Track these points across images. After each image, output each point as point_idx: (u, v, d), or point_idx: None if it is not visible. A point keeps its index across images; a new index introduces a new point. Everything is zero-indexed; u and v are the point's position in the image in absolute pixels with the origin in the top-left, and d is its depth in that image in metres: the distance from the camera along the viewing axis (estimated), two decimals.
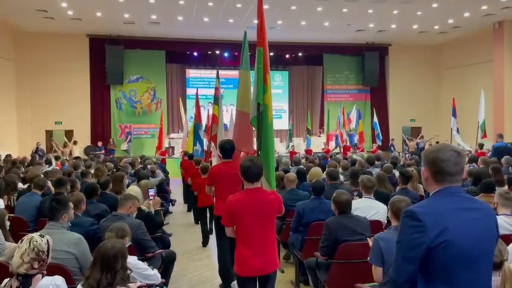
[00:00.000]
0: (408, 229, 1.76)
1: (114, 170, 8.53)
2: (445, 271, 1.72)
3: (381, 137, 18.37)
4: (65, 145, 16.63)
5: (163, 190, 8.83)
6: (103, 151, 17.13)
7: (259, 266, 3.25)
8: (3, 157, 11.79)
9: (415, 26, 17.57)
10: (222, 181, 4.78)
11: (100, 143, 18.05)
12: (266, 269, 3.29)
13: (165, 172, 11.15)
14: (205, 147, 10.87)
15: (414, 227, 1.73)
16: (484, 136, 12.79)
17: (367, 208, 4.60)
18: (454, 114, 13.79)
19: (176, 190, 11.44)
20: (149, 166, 9.74)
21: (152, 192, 5.33)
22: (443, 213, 1.75)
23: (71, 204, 3.61)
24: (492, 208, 2.01)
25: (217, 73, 9.55)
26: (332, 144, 19.28)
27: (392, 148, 18.68)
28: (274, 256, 3.36)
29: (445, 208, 1.76)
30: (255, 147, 4.82)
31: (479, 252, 1.76)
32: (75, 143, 16.95)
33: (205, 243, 7.15)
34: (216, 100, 9.07)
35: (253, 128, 4.81)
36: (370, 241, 3.20)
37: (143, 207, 4.95)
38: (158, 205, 5.21)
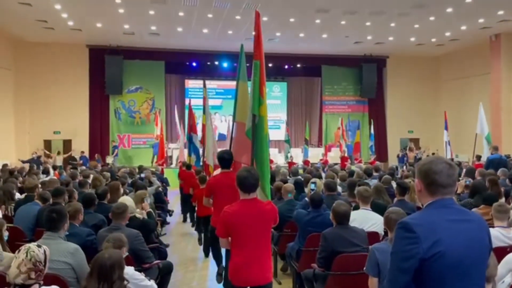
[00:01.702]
0: (402, 240, 1.78)
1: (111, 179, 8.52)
2: (438, 282, 1.74)
3: (373, 149, 18.48)
4: (48, 156, 16.60)
5: (160, 200, 8.81)
6: (81, 162, 16.83)
7: (254, 276, 3.24)
8: (0, 166, 11.78)
9: (412, 39, 17.73)
10: (220, 192, 4.69)
11: (82, 152, 17.88)
12: (261, 280, 3.28)
13: (164, 183, 11.14)
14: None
15: (408, 238, 1.75)
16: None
17: (364, 219, 4.60)
18: (446, 127, 13.90)
19: (174, 201, 11.42)
20: (142, 175, 9.76)
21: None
22: (436, 224, 1.77)
23: (67, 214, 3.61)
24: (484, 220, 2.03)
25: (204, 82, 9.64)
26: (331, 154, 19.35)
27: (404, 159, 18.65)
28: (269, 267, 3.36)
29: (438, 220, 1.79)
30: None
31: (471, 262, 1.78)
32: (58, 153, 17.00)
33: (206, 253, 6.91)
34: (204, 109, 9.17)
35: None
36: None
37: (138, 215, 4.97)
38: (147, 207, 5.28)
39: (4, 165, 11.94)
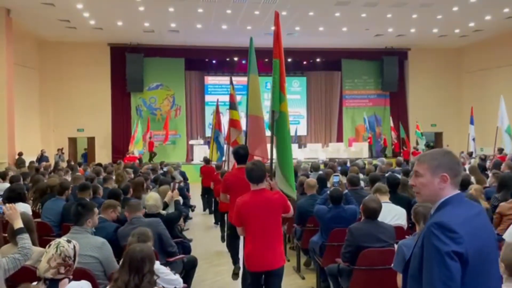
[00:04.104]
0: (444, 242, 1.64)
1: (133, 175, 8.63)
2: (473, 280, 1.67)
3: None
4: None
5: (183, 195, 8.87)
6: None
7: (265, 261, 3.50)
8: (27, 163, 12.08)
9: (435, 30, 17.36)
10: (236, 187, 4.58)
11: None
12: (272, 264, 3.53)
13: (185, 179, 11.23)
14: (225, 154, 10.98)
15: (452, 239, 1.64)
16: None
17: (386, 212, 4.55)
18: (472, 122, 13.67)
19: (196, 196, 11.49)
20: (165, 169, 9.87)
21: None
22: (469, 221, 1.71)
23: (96, 210, 3.67)
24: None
25: (231, 79, 9.65)
26: (352, 149, 19.21)
27: None
28: (280, 252, 3.60)
29: (468, 216, 1.73)
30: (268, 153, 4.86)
31: (493, 255, 1.76)
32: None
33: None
34: (233, 106, 9.13)
35: (267, 134, 4.90)
36: None
37: (163, 212, 5.01)
38: (177, 195, 5.40)
39: (31, 163, 12.24)
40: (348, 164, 10.40)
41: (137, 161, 15.62)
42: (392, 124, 20.34)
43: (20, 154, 14.56)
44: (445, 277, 1.62)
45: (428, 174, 1.82)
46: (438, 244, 1.65)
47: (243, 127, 7.40)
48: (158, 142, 19.30)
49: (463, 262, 1.63)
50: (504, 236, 3.85)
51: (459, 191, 1.81)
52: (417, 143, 19.28)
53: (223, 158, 11.20)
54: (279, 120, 4.46)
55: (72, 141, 19.57)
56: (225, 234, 7.20)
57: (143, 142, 18.53)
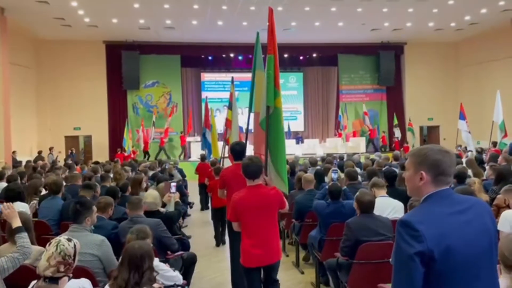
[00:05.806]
0: (404, 240, 1.62)
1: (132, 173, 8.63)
2: (448, 281, 1.62)
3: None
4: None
5: (181, 192, 8.87)
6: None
7: (262, 256, 3.52)
8: (24, 163, 12.04)
9: (431, 24, 17.37)
10: (233, 183, 4.55)
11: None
12: (269, 259, 3.55)
13: (183, 176, 11.24)
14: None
15: (412, 237, 1.60)
16: (505, 135, 12.59)
17: (385, 206, 4.58)
18: (462, 117, 13.76)
19: (193, 193, 11.50)
20: (167, 166, 9.87)
21: (173, 188, 5.35)
22: (439, 219, 1.65)
23: (94, 208, 3.66)
24: (483, 201, 1.94)
25: (232, 78, 9.67)
26: (349, 144, 19.24)
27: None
28: (276, 247, 3.63)
29: (440, 214, 1.67)
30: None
31: (481, 254, 1.67)
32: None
33: (217, 243, 7.29)
34: (230, 105, 9.16)
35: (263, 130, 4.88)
36: None
37: (162, 209, 5.00)
38: (177, 198, 5.30)
39: (28, 162, 12.19)
40: (345, 159, 10.42)
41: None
42: (365, 109, 20.72)
43: (40, 152, 15.39)
44: (405, 280, 1.61)
45: (411, 170, 1.80)
46: (402, 244, 1.62)
47: (244, 124, 7.41)
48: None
49: (426, 261, 1.59)
50: (498, 228, 3.86)
51: (445, 187, 1.74)
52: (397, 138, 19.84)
53: (211, 156, 11.28)
54: (273, 115, 4.45)
55: (75, 139, 19.51)
56: (218, 233, 7.28)
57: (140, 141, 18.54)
